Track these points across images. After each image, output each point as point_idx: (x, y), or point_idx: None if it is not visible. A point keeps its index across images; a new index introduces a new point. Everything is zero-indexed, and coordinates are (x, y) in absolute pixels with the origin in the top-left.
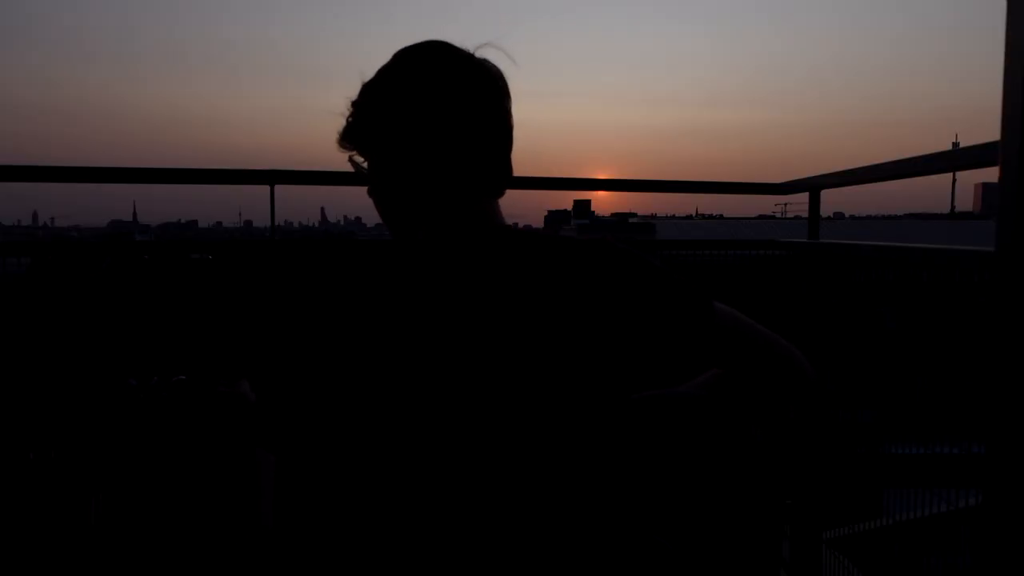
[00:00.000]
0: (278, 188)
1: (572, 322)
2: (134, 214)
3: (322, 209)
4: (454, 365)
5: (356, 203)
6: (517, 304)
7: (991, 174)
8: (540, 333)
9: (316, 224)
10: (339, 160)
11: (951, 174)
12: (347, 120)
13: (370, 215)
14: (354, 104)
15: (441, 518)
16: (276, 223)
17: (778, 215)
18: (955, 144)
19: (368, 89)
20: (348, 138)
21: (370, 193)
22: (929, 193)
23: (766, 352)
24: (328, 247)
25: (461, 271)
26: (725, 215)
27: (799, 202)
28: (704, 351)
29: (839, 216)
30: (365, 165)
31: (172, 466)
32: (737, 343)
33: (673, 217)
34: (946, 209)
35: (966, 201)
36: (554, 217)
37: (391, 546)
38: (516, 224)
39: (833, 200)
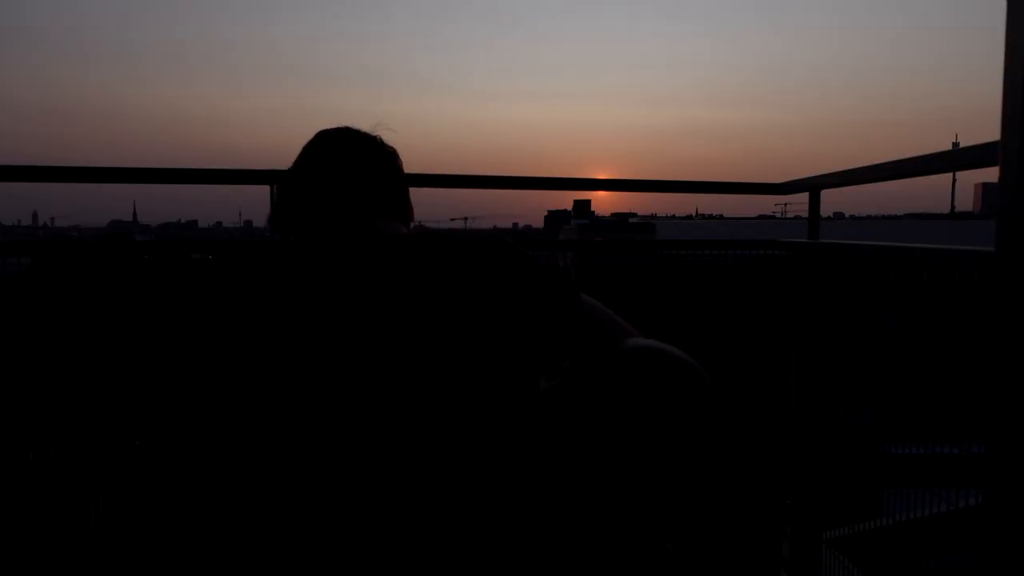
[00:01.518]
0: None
1: (466, 312)
2: (134, 214)
3: None
4: (356, 363)
5: None
6: (415, 299)
7: (991, 174)
8: (441, 325)
9: None
10: None
11: (951, 174)
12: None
13: None
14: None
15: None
16: None
17: (778, 215)
18: (955, 144)
19: (285, 180)
20: (276, 223)
21: None
22: (929, 193)
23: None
24: (233, 251)
25: (358, 271)
26: (725, 215)
27: (799, 202)
28: (570, 336)
29: (839, 216)
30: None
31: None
32: (598, 330)
33: (673, 217)
34: (946, 209)
35: (966, 201)
36: (554, 217)
37: (327, 544)
38: (516, 224)
39: (833, 200)
